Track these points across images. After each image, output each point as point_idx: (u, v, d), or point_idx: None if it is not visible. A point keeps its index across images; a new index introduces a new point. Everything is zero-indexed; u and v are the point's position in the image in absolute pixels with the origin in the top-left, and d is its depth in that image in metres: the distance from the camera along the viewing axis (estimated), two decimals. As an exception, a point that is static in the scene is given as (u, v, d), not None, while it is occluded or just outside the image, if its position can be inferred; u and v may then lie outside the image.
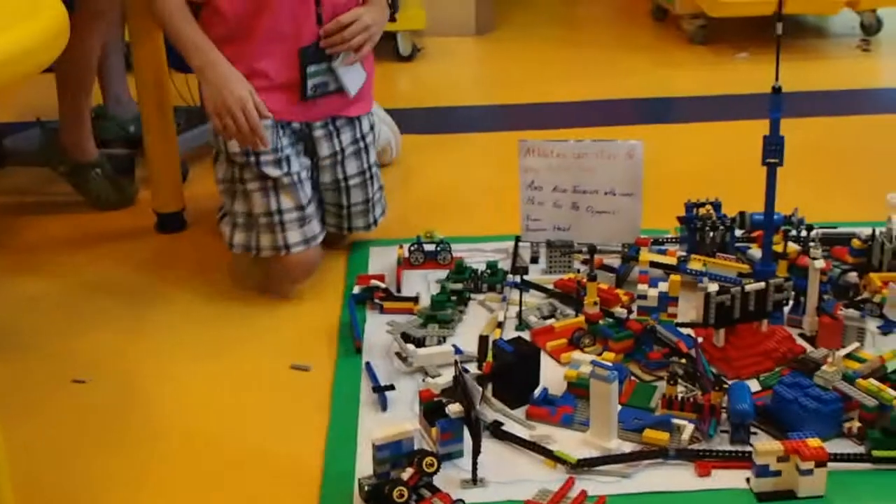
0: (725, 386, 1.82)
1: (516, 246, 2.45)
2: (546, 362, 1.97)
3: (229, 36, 2.17)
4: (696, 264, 2.24)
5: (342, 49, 2.22)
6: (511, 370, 1.87)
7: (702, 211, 2.35)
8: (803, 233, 2.32)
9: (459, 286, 2.25)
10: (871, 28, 4.24)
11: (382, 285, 2.26)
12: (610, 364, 1.76)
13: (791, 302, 2.10)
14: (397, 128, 3.03)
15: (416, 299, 2.23)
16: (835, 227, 2.42)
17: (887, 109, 3.52)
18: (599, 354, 1.97)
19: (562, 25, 4.66)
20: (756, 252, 2.29)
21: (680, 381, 1.89)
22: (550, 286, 2.29)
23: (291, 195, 2.20)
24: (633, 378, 1.94)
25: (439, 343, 2.07)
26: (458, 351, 2.02)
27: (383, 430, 1.66)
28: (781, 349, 1.98)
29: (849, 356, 1.95)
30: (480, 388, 1.80)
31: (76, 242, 2.58)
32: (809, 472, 1.62)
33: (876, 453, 1.71)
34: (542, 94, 3.71)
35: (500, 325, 2.12)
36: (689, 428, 1.75)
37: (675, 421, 1.76)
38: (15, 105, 3.41)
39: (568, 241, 2.40)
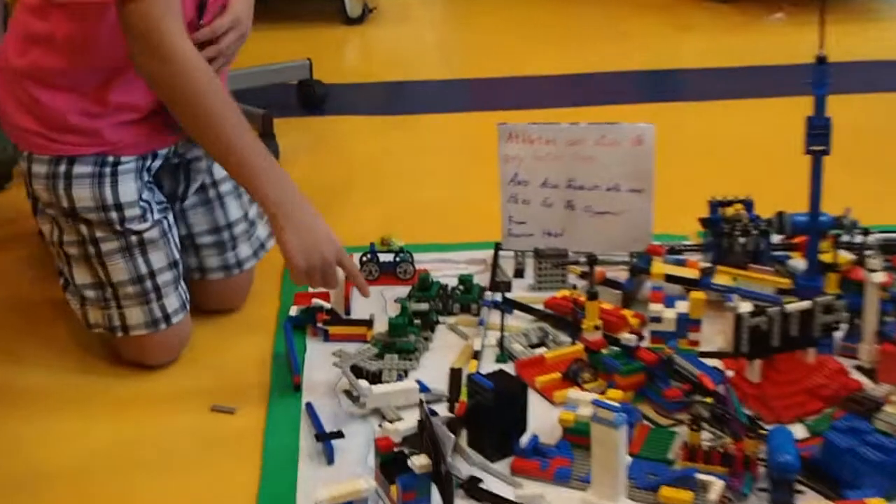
0: (763, 432, 1.82)
1: (496, 255, 2.45)
2: (535, 402, 1.96)
3: (71, 68, 2.07)
4: (723, 278, 2.25)
5: (218, 65, 2.15)
6: (491, 412, 1.86)
7: (730, 211, 2.36)
8: (857, 238, 2.33)
9: (425, 306, 2.25)
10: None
11: (327, 305, 2.25)
12: (616, 404, 1.74)
13: (844, 326, 2.10)
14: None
15: (369, 323, 2.23)
16: (896, 232, 2.44)
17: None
18: (603, 392, 1.96)
19: (549, -22, 4.68)
20: (799, 262, 2.30)
21: (705, 425, 1.88)
22: (540, 306, 2.29)
23: (163, 250, 2.16)
24: (645, 422, 1.94)
25: (399, 378, 2.06)
26: (423, 388, 2.02)
27: (329, 489, 1.64)
28: (832, 385, 1.98)
29: (917, 394, 1.95)
30: (452, 436, 1.79)
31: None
32: (870, 540, 1.62)
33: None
34: (524, 66, 3.73)
35: (476, 355, 2.12)
36: (717, 485, 1.74)
37: (700, 477, 1.75)
38: None
39: (561, 249, 2.40)
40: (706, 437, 1.86)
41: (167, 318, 2.15)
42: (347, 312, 2.29)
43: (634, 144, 2.40)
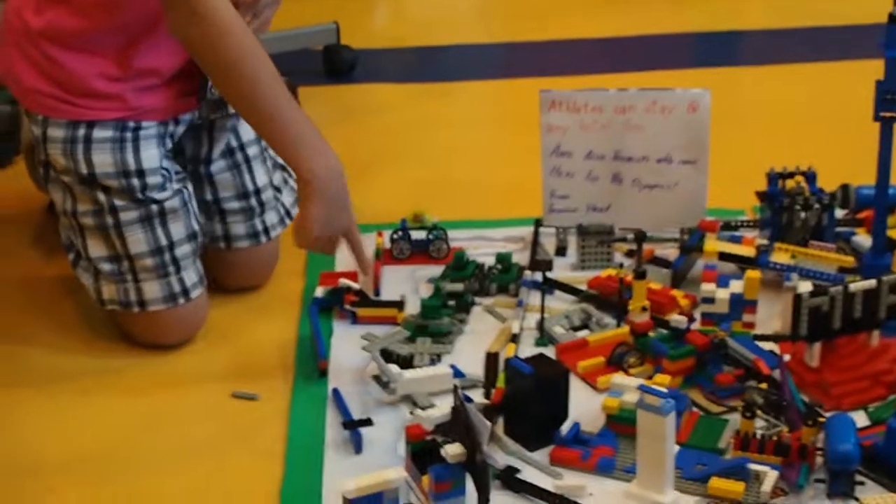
0: (821, 420, 1.82)
1: (536, 232, 2.46)
2: (577, 388, 1.98)
3: (93, 28, 2.11)
4: (781, 256, 2.24)
5: (254, 28, 2.18)
6: (530, 399, 1.88)
7: (790, 184, 2.36)
8: (928, 213, 2.33)
9: (459, 287, 2.26)
10: None
11: (355, 286, 2.27)
12: (664, 390, 1.75)
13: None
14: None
15: (400, 304, 2.25)
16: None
17: None
18: (650, 378, 1.97)
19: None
20: (864, 239, 2.31)
21: (759, 412, 1.89)
22: (583, 286, 2.30)
23: (183, 221, 2.19)
24: (695, 409, 1.95)
25: (432, 363, 2.08)
26: (457, 373, 2.03)
27: (357, 480, 1.65)
28: (897, 370, 2.00)
29: None
30: (489, 424, 1.77)
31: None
32: (936, 535, 1.64)
33: None
34: (569, 28, 3.72)
35: (514, 338, 2.13)
36: (771, 476, 1.75)
37: (753, 467, 1.76)
38: None
39: (607, 225, 2.40)
40: (760, 426, 1.87)
41: (186, 292, 2.18)
42: (377, 294, 2.31)
43: (688, 112, 2.40)
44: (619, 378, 1.96)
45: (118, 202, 2.14)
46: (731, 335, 2.04)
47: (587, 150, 2.46)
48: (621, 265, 2.35)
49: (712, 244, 2.26)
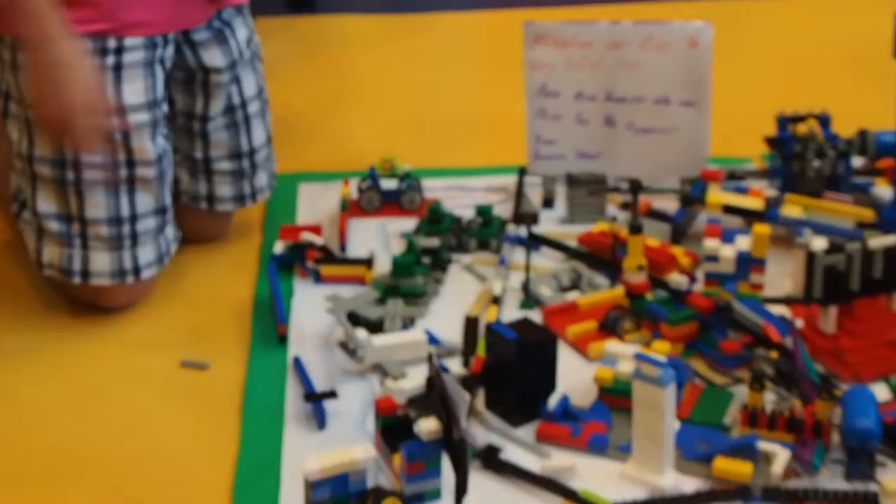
0: (838, 393, 1.82)
1: (520, 182, 2.45)
2: (566, 357, 1.98)
3: None
4: (793, 209, 2.25)
5: None
6: (513, 369, 1.87)
7: (801, 129, 2.36)
8: (955, 162, 2.33)
9: (435, 242, 2.26)
10: None
11: (318, 241, 2.26)
12: (663, 359, 1.75)
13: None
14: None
15: (369, 262, 2.23)
16: None
17: None
18: (647, 345, 1.97)
19: None
20: (885, 190, 2.30)
21: (769, 384, 1.89)
22: (572, 243, 2.29)
23: (154, 193, 2.16)
24: (697, 380, 1.95)
25: (405, 328, 2.07)
26: (433, 340, 2.03)
27: (320, 458, 1.65)
28: (922, 337, 2.00)
29: None
30: (468, 396, 1.79)
31: None
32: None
33: None
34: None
35: (496, 300, 2.13)
36: (782, 456, 1.74)
37: (762, 445, 1.76)
38: None
39: (599, 173, 2.40)
40: (770, 399, 1.87)
41: (137, 270, 2.16)
42: (343, 249, 2.30)
43: (688, 48, 2.40)
44: (612, 345, 1.95)
45: (84, 155, 2.09)
46: (738, 297, 2.03)
47: (576, 89, 2.46)
48: (615, 219, 2.35)
49: (716, 196, 2.26)
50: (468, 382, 1.88)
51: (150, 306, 2.20)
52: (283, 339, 2.07)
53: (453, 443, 1.66)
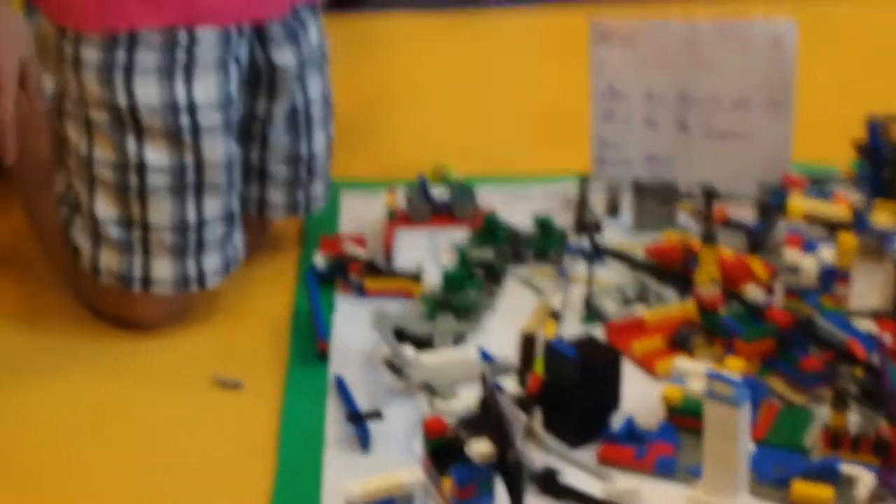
0: (929, 414, 1.82)
1: (583, 190, 2.46)
2: (631, 375, 1.98)
3: None
4: (883, 218, 2.24)
5: None
6: (574, 388, 1.87)
7: (894, 133, 2.36)
8: None
9: (490, 254, 2.27)
10: None
11: (362, 254, 2.27)
12: (737, 377, 1.74)
13: None
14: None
15: (417, 276, 2.25)
16: None
17: None
18: (720, 362, 1.97)
19: None
20: (984, 198, 2.29)
21: (853, 404, 1.88)
22: (639, 254, 2.30)
23: (220, 196, 2.19)
24: (774, 399, 1.94)
25: (456, 344, 2.08)
26: (486, 357, 2.03)
27: (364, 483, 1.66)
28: None
29: None
30: (524, 417, 1.80)
31: None
32: None
33: None
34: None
35: (555, 315, 2.14)
36: (867, 480, 1.74)
37: (845, 469, 1.76)
38: None
39: (669, 180, 2.41)
40: (854, 420, 1.86)
41: (202, 279, 2.18)
42: (389, 262, 2.31)
43: (771, 48, 2.41)
44: (682, 363, 1.96)
45: (151, 156, 2.12)
46: (821, 312, 2.02)
47: (646, 90, 2.48)
48: (686, 229, 2.36)
49: (798, 203, 2.26)
50: (524, 403, 1.88)
51: (178, 321, 2.22)
52: (323, 357, 2.08)
53: (508, 466, 1.67)
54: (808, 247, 2.13)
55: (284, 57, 2.27)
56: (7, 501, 1.84)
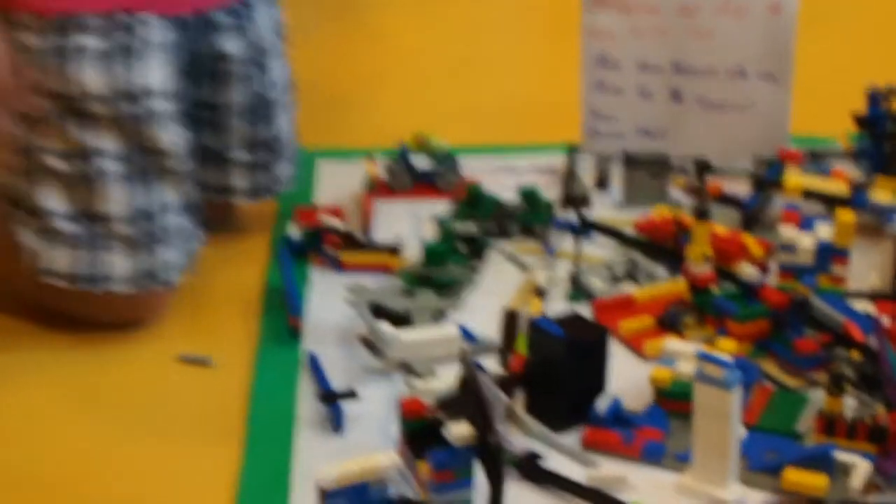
0: (928, 399, 1.82)
1: (571, 162, 2.46)
2: (619, 355, 1.98)
3: None
4: (882, 194, 2.25)
5: None
6: (559, 368, 1.87)
7: (894, 105, 2.36)
8: None
9: (473, 228, 2.27)
10: None
11: (339, 225, 2.27)
12: (729, 359, 1.74)
13: None
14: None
15: (396, 249, 2.24)
16: None
17: None
18: (711, 343, 1.96)
19: None
20: None
21: (849, 388, 1.87)
22: (629, 229, 2.30)
23: (176, 183, 2.17)
24: (767, 383, 1.94)
25: (435, 322, 2.07)
26: (467, 335, 2.03)
27: (336, 466, 1.63)
28: None
29: None
30: (505, 399, 1.80)
31: None
32: None
33: None
34: None
35: (540, 293, 2.13)
36: (862, 468, 1.73)
37: (840, 456, 1.75)
38: None
39: (662, 153, 2.41)
40: (850, 404, 1.85)
41: (167, 273, 2.14)
42: (367, 234, 2.31)
43: (769, 14, 2.42)
44: (671, 343, 1.95)
45: (101, 143, 2.10)
46: (816, 292, 2.02)
47: (639, 59, 2.48)
48: (678, 203, 2.36)
49: (794, 178, 2.26)
50: (506, 383, 1.88)
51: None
52: (296, 334, 2.07)
53: (487, 449, 1.66)
54: (805, 224, 2.13)
55: (230, 45, 2.28)
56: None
